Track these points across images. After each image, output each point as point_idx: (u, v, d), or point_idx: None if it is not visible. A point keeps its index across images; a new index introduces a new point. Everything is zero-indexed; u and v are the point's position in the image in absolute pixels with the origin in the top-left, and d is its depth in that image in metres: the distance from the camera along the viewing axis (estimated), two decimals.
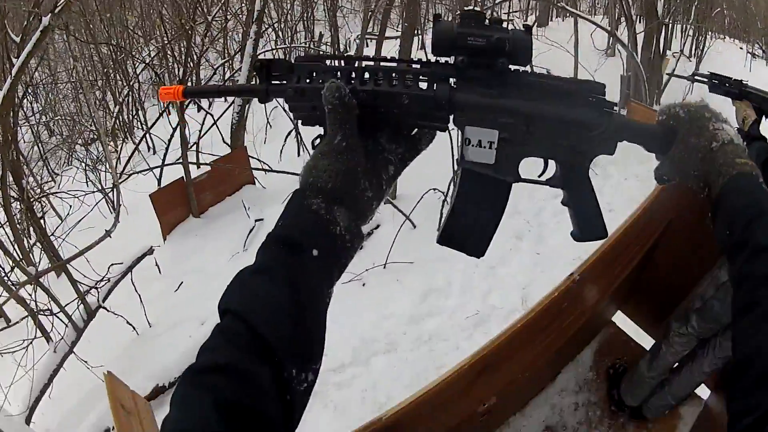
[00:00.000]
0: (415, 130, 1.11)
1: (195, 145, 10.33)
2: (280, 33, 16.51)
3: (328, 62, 1.08)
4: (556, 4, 13.77)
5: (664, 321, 2.86)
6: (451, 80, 1.06)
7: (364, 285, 7.06)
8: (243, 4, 15.56)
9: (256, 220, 8.24)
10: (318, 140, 1.01)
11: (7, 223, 8.63)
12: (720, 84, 3.12)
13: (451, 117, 1.07)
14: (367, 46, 13.20)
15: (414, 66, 1.06)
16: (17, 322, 6.44)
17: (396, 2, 12.58)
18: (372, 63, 1.07)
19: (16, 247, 8.59)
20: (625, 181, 8.14)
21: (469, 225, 1.15)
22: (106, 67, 15.74)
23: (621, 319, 3.31)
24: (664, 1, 11.10)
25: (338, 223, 0.93)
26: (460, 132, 1.08)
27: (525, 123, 1.08)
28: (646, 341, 3.09)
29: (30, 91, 16.88)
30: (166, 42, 9.52)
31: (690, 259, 2.69)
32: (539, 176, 1.20)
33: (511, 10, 13.10)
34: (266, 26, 13.92)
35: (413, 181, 7.88)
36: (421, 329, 6.49)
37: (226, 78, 13.64)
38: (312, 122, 1.09)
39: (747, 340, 0.89)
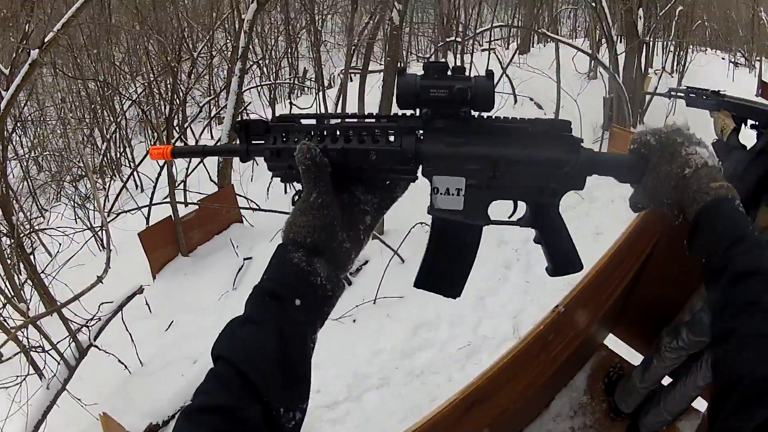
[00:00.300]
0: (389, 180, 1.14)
1: (182, 183, 10.33)
2: (264, 69, 16.66)
3: (303, 121, 1.12)
4: (537, 31, 13.91)
5: (656, 337, 2.89)
6: (419, 132, 1.10)
7: (354, 321, 7.03)
8: (228, 41, 15.75)
9: (244, 259, 8.22)
10: (297, 197, 1.06)
11: None
12: (697, 97, 3.16)
13: (419, 168, 1.11)
14: (351, 80, 13.26)
15: (382, 121, 1.10)
16: (10, 358, 6.40)
17: (379, 36, 12.69)
18: (343, 120, 1.11)
19: (6, 283, 8.59)
20: (612, 203, 8.16)
21: (444, 268, 1.19)
22: (93, 103, 15.74)
23: (613, 342, 3.33)
24: (644, 19, 11.20)
25: (319, 274, 0.98)
26: (428, 181, 1.12)
27: (491, 168, 1.11)
28: (639, 361, 3.13)
29: (19, 125, 16.92)
30: (152, 79, 9.57)
31: (678, 277, 2.73)
32: (509, 217, 1.23)
33: (492, 38, 13.22)
34: (251, 63, 14.04)
35: (400, 216, 7.88)
36: (414, 363, 6.48)
37: (212, 115, 13.72)
38: (290, 180, 1.14)
39: (727, 367, 0.90)
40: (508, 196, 1.17)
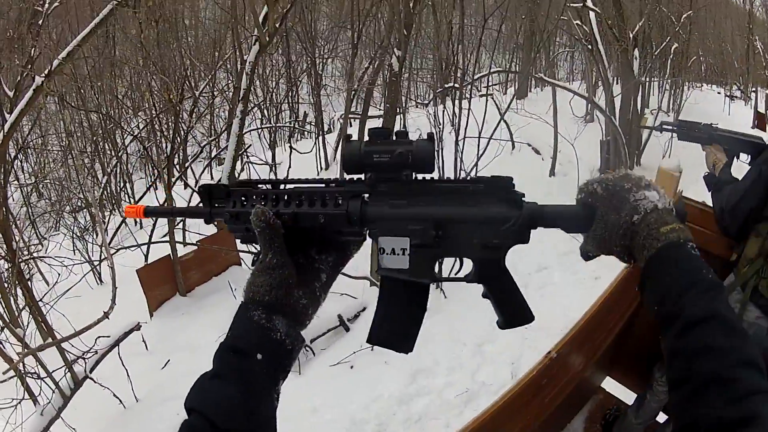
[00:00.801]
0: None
1: (182, 223, 10.36)
2: (265, 112, 16.80)
3: (261, 186, 1.20)
4: (534, 76, 14.06)
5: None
6: (365, 195, 1.16)
7: (352, 367, 7.00)
8: (230, 82, 15.96)
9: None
10: (256, 258, 1.15)
11: None
12: (689, 130, 3.17)
13: (365, 229, 1.17)
14: (351, 125, 13.41)
15: (332, 186, 1.19)
16: (4, 381, 6.37)
17: (378, 81, 12.87)
18: (296, 185, 1.19)
19: (3, 307, 8.59)
20: None
21: (395, 325, 1.24)
22: (95, 135, 15.82)
23: (612, 385, 3.33)
24: (640, 59, 11.31)
25: (278, 330, 1.07)
26: (375, 242, 1.17)
27: (434, 228, 1.16)
28: None
29: (21, 151, 16.97)
30: (154, 115, 9.68)
31: None
32: (456, 274, 1.28)
33: (490, 84, 13.38)
34: (252, 105, 14.17)
35: None
36: (411, 409, 6.43)
37: (212, 156, 13.80)
38: (248, 241, 1.24)
39: (684, 411, 0.91)
40: (452, 254, 1.22)
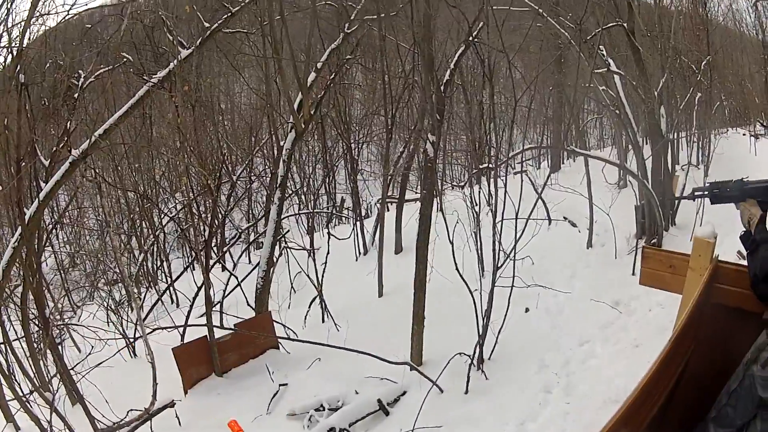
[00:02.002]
0: None
1: (219, 305, 10.45)
2: (303, 197, 17.09)
3: None
4: (566, 149, 14.15)
5: None
6: None
7: None
8: (266, 167, 16.30)
9: (280, 385, 8.19)
10: None
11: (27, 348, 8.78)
12: (720, 192, 3.11)
13: None
14: (388, 210, 13.52)
15: None
16: None
17: (414, 166, 13.09)
18: None
19: (34, 371, 8.68)
20: (649, 312, 8.06)
21: None
22: (132, 212, 16.16)
23: None
24: (666, 116, 11.29)
25: None
26: None
27: None
28: None
29: (57, 223, 17.36)
30: (191, 198, 9.93)
31: (710, 381, 2.70)
32: None
33: (524, 159, 13.52)
34: (290, 192, 14.43)
35: (439, 345, 7.88)
36: None
37: (250, 240, 14.03)
38: None
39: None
40: None
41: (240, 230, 14.26)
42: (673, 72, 12.71)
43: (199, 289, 10.45)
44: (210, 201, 9.89)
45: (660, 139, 10.72)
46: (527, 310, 8.97)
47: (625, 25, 10.22)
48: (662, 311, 7.77)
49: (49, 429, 6.26)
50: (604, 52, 10.70)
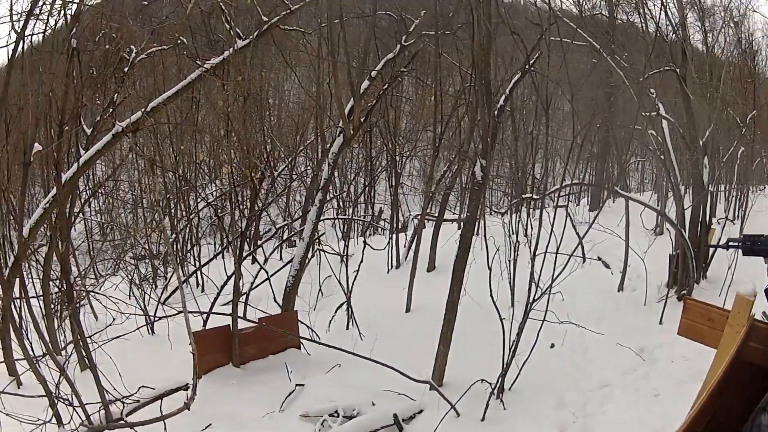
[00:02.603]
0: None
1: (245, 296, 10.51)
2: (341, 203, 17.14)
3: None
4: (608, 188, 14.06)
5: None
6: None
7: None
8: (308, 167, 16.42)
9: (297, 385, 8.17)
10: None
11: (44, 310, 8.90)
12: (752, 245, 3.21)
13: None
14: (425, 226, 13.53)
15: None
16: (33, 396, 6.33)
17: (455, 188, 13.06)
18: None
19: (48, 333, 8.70)
20: (672, 364, 7.98)
21: None
22: (169, 193, 16.33)
23: None
24: (709, 168, 11.18)
25: None
26: None
27: None
28: None
29: (93, 193, 17.59)
30: (232, 186, 10.02)
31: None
32: None
33: (563, 193, 13.45)
34: (331, 196, 14.47)
35: (463, 370, 7.85)
36: None
37: (284, 237, 14.09)
38: None
39: None
40: None
41: (276, 226, 14.31)
42: (719, 123, 12.57)
43: (229, 278, 10.51)
44: (249, 192, 9.94)
45: (701, 190, 10.61)
46: (552, 345, 8.93)
47: (677, 70, 10.14)
48: (684, 363, 7.72)
49: (55, 391, 6.27)
50: (655, 95, 10.64)
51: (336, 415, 7.33)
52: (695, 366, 7.32)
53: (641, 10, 11.19)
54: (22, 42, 7.73)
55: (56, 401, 6.16)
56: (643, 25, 11.28)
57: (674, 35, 10.69)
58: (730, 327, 3.41)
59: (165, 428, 6.59)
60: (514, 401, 7.47)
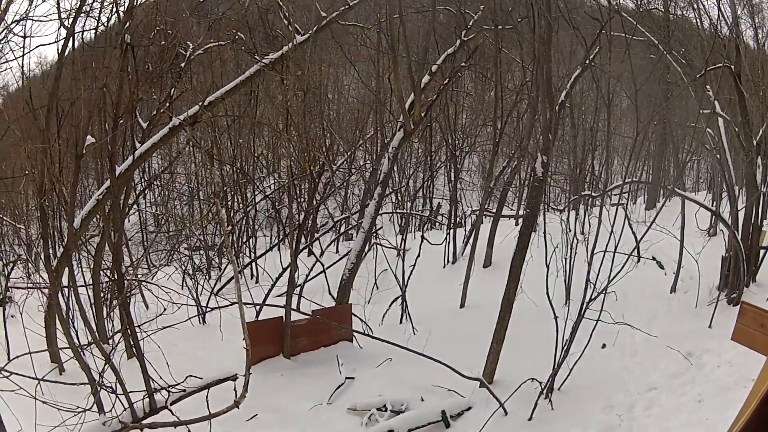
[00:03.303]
0: None
1: (300, 288, 10.64)
2: (399, 197, 17.14)
3: None
4: (667, 187, 13.71)
5: None
6: None
7: None
8: (366, 161, 16.44)
9: (346, 378, 8.26)
10: None
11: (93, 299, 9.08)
12: None
13: None
14: (482, 222, 13.46)
15: None
16: (75, 384, 6.36)
17: (514, 184, 12.92)
18: None
19: (96, 322, 8.96)
20: (718, 369, 7.78)
21: None
22: (226, 185, 16.63)
23: None
24: (763, 168, 10.82)
25: None
26: None
27: None
28: None
29: (149, 185, 17.98)
30: (291, 180, 10.14)
31: None
32: None
33: (621, 192, 13.19)
34: (390, 190, 14.47)
35: (513, 368, 7.80)
36: None
37: (341, 231, 14.17)
38: None
39: None
40: None
41: (334, 220, 14.43)
42: None
43: (284, 270, 10.65)
44: (308, 185, 10.06)
45: (755, 191, 10.30)
46: (604, 346, 8.79)
47: (732, 67, 9.84)
48: (730, 369, 7.54)
49: (99, 379, 6.25)
50: (711, 93, 10.36)
51: (384, 409, 7.36)
52: (740, 372, 7.14)
53: (695, 5, 10.87)
54: (72, 38, 7.91)
55: (99, 389, 6.22)
56: (698, 20, 10.97)
57: (728, 31, 10.37)
58: None
59: (210, 417, 6.72)
60: (563, 402, 7.39)
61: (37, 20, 8.31)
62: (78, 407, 5.80)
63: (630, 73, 8.99)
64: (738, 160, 11.40)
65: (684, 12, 13.34)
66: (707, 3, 14.22)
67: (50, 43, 13.91)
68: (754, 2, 12.26)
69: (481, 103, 18.49)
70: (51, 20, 7.99)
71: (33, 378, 5.84)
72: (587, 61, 8.62)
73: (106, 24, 9.06)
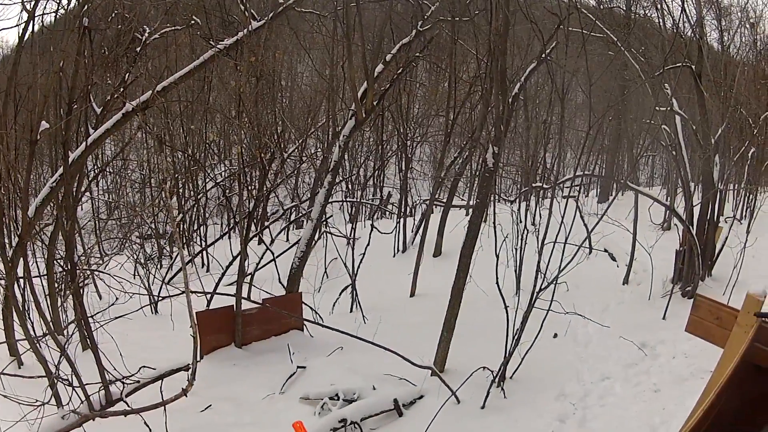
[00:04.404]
0: None
1: (250, 277, 10.52)
2: (349, 186, 17.12)
3: None
4: (620, 181, 13.96)
5: None
6: None
7: None
8: (318, 149, 16.35)
9: (298, 367, 8.18)
10: None
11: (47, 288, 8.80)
12: None
13: None
14: (433, 212, 13.52)
15: None
16: (33, 377, 6.39)
17: (465, 174, 12.99)
18: None
19: (50, 313, 8.68)
20: (673, 360, 7.93)
21: None
22: (177, 172, 16.32)
23: None
24: (720, 166, 11.09)
25: None
26: None
27: None
28: None
29: (101, 171, 17.60)
30: (241, 167, 10.00)
31: None
32: None
33: (573, 184, 13.36)
34: (340, 179, 14.45)
35: (465, 357, 7.82)
36: None
37: (291, 219, 14.07)
38: None
39: None
40: None
41: (284, 208, 14.31)
42: (731, 123, 12.47)
43: (234, 258, 10.52)
44: (258, 173, 9.92)
45: (711, 188, 10.53)
46: (555, 335, 8.89)
47: (693, 67, 10.03)
48: (685, 360, 7.68)
49: (55, 372, 6.26)
50: (669, 91, 10.55)
51: (336, 398, 7.32)
52: (696, 363, 7.28)
53: (659, 6, 11.06)
54: (32, 22, 7.68)
55: (56, 382, 6.18)
56: (661, 21, 11.17)
57: (691, 32, 10.57)
58: (739, 327, 3.37)
59: (165, 408, 6.58)
60: (515, 390, 7.43)
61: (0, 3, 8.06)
62: (37, 400, 5.75)
63: (586, 69, 9.08)
64: (694, 158, 11.64)
65: (646, 12, 13.59)
66: (672, 4, 14.53)
67: (12, 27, 13.49)
68: (722, 5, 12.53)
69: (434, 93, 18.61)
70: (14, 3, 7.68)
71: None
72: (543, 56, 8.65)
73: (66, 6, 8.79)
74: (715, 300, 4.04)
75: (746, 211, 15.81)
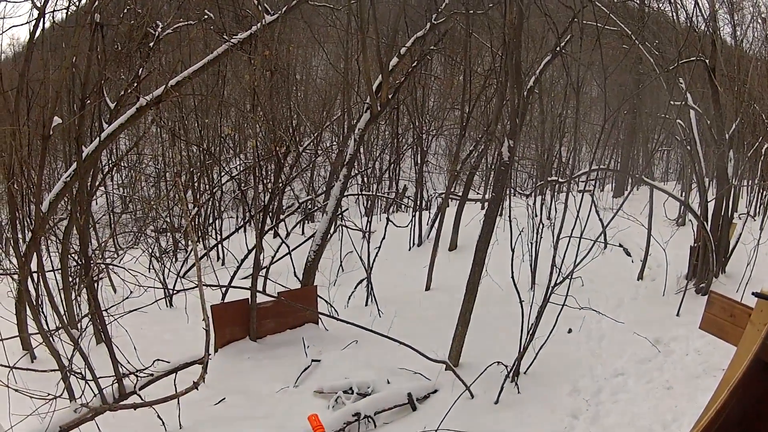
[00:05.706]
0: None
1: (266, 270, 10.55)
2: (365, 179, 17.10)
3: None
4: (633, 175, 13.85)
5: None
6: None
7: None
8: (333, 143, 16.34)
9: (313, 360, 8.22)
10: None
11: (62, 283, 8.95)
12: None
13: None
14: (448, 205, 13.49)
15: None
16: (46, 371, 6.43)
17: (481, 168, 12.94)
18: None
19: (65, 307, 8.83)
20: (686, 357, 7.89)
21: None
22: (192, 166, 16.39)
23: None
24: (734, 161, 10.98)
25: None
26: None
27: None
28: None
29: (115, 166, 17.69)
30: (256, 161, 10.02)
31: None
32: None
33: (588, 178, 13.29)
34: (356, 172, 14.43)
35: (479, 351, 7.83)
36: None
37: (307, 212, 14.08)
38: None
39: None
40: None
41: (300, 201, 14.33)
42: (745, 118, 12.33)
43: (250, 251, 10.54)
44: (273, 167, 9.93)
45: (725, 183, 10.43)
46: (570, 330, 8.86)
47: (707, 61, 9.93)
48: (698, 357, 7.66)
49: (68, 365, 6.28)
50: (683, 85, 10.46)
51: (350, 392, 7.34)
52: (709, 360, 7.25)
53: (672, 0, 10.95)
54: (42, 18, 7.71)
55: (69, 375, 6.22)
56: (674, 14, 11.06)
57: (705, 26, 10.46)
58: (752, 325, 3.33)
59: (178, 401, 6.67)
60: (529, 385, 7.42)
61: (11, 1, 8.12)
62: (49, 394, 5.76)
63: (601, 62, 9.02)
64: (709, 153, 11.53)
65: (660, 5, 13.46)
66: None
67: (23, 24, 13.52)
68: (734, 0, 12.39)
69: (449, 86, 18.53)
70: (24, 0, 7.74)
71: (5, 366, 5.87)
72: (558, 49, 8.60)
73: (77, 3, 8.81)
74: (729, 298, 4.01)
75: (760, 208, 15.68)
